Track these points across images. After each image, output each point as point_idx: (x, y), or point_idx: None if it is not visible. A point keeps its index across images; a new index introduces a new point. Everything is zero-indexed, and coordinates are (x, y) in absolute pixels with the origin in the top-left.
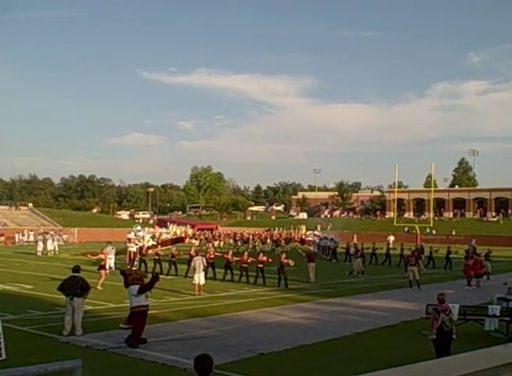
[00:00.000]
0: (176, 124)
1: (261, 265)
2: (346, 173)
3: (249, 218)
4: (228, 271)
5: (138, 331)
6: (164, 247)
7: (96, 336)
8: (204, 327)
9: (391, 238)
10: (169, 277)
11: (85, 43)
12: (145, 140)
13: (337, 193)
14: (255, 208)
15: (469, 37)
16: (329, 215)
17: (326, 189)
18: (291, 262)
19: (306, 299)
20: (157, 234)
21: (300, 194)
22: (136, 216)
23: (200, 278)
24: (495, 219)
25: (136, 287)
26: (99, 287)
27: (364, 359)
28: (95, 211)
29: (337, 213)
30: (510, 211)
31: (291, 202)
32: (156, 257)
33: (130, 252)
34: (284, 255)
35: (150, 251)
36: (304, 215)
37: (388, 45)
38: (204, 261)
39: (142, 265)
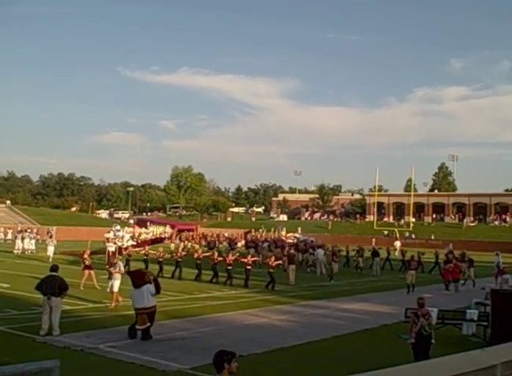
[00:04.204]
0: (158, 124)
1: (230, 267)
2: (327, 176)
3: (229, 219)
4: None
5: (150, 327)
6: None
7: (74, 336)
8: (183, 328)
9: (398, 243)
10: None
11: (67, 41)
12: (126, 139)
13: (317, 195)
14: (236, 209)
15: (451, 43)
16: (309, 218)
17: (306, 192)
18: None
19: (286, 301)
20: (137, 234)
21: (280, 196)
22: (116, 215)
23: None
24: (473, 224)
25: (152, 287)
26: (81, 287)
27: (342, 362)
28: (74, 209)
29: (317, 215)
30: (488, 217)
31: (272, 204)
32: (145, 257)
33: (109, 252)
34: (273, 258)
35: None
36: (284, 217)
37: (371, 49)
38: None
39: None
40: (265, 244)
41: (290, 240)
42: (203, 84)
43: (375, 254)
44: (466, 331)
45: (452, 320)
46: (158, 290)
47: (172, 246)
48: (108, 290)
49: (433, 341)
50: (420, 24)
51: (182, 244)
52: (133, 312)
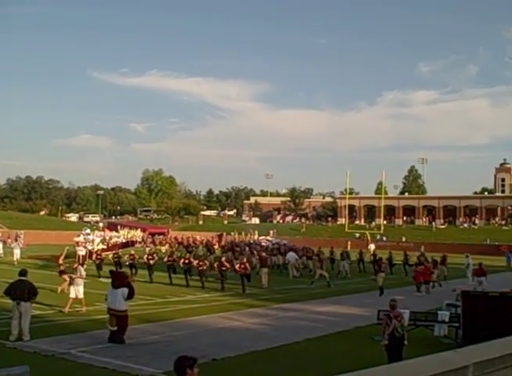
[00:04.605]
0: (127, 126)
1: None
2: (298, 179)
3: (201, 222)
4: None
5: (123, 332)
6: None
7: (44, 341)
8: (156, 332)
9: (372, 246)
10: None
11: (34, 41)
12: (95, 142)
13: (289, 198)
14: (207, 213)
15: (420, 47)
16: (281, 221)
17: (278, 195)
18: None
19: (259, 304)
20: (107, 238)
21: (252, 199)
22: (86, 219)
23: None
24: (443, 227)
25: (126, 291)
26: (59, 292)
27: (315, 365)
28: (42, 213)
29: (289, 218)
30: (457, 219)
31: (243, 207)
32: (131, 261)
33: (79, 256)
34: (245, 260)
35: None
36: (256, 220)
37: (342, 52)
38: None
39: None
40: (247, 248)
41: (264, 243)
42: (173, 87)
43: (344, 256)
44: (437, 333)
45: (423, 322)
46: (131, 295)
47: (163, 249)
48: (71, 295)
49: (406, 342)
50: (389, 28)
51: (154, 248)
52: (103, 316)
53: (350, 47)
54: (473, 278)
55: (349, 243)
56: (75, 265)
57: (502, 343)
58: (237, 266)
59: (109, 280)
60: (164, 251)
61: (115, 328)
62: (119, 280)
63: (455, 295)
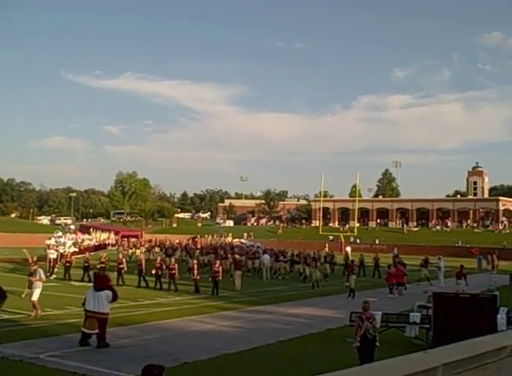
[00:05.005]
0: (101, 129)
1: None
2: (273, 182)
3: (175, 225)
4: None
5: (104, 334)
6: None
7: (13, 346)
8: (127, 335)
9: (349, 248)
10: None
11: (7, 43)
12: (68, 144)
13: (263, 201)
14: (181, 215)
15: (395, 52)
16: (255, 223)
17: (253, 198)
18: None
19: (232, 307)
20: (80, 240)
21: (227, 202)
22: (58, 221)
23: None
24: (416, 229)
25: (110, 294)
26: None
27: (288, 367)
28: (13, 215)
29: (263, 221)
30: (430, 221)
31: (218, 209)
32: (86, 264)
33: (50, 259)
34: (218, 263)
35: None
36: (230, 223)
37: (317, 56)
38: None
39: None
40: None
41: (246, 246)
42: (148, 89)
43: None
44: (409, 334)
45: (395, 323)
46: (115, 298)
47: (138, 252)
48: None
49: (377, 344)
50: (365, 33)
51: (130, 251)
52: (74, 320)
53: (325, 51)
54: (444, 280)
55: (327, 245)
56: (34, 267)
57: (472, 344)
58: (215, 269)
59: (80, 284)
60: (138, 253)
61: (96, 331)
62: (102, 282)
63: (426, 297)
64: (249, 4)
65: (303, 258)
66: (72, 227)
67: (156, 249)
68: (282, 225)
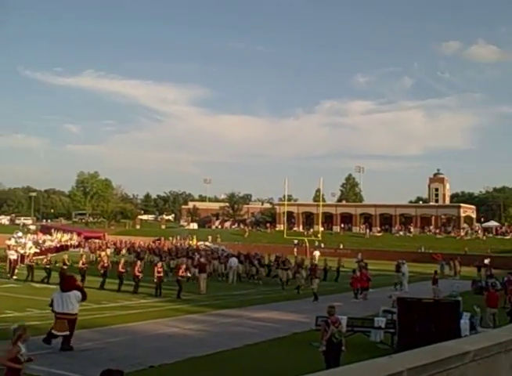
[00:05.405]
0: (61, 127)
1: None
2: (237, 185)
3: (138, 226)
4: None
5: (71, 336)
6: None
7: None
8: (91, 338)
9: (317, 253)
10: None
11: None
12: (26, 142)
13: (227, 204)
14: (145, 217)
15: (357, 57)
16: (219, 226)
17: (217, 200)
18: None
19: (197, 311)
20: (41, 241)
21: (190, 204)
22: (17, 221)
23: None
24: (379, 234)
25: (79, 294)
26: None
27: (254, 371)
28: None
29: (227, 224)
30: (393, 227)
31: (182, 212)
32: (47, 266)
33: (10, 260)
34: (184, 266)
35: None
36: (194, 226)
37: (280, 60)
38: None
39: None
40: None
41: (220, 250)
42: (109, 88)
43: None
44: (374, 338)
45: (361, 328)
46: (84, 298)
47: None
48: None
49: (343, 348)
50: (328, 38)
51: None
52: (35, 322)
53: (288, 55)
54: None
55: (295, 250)
56: None
57: (436, 349)
58: (180, 272)
59: (42, 285)
60: (103, 255)
61: (67, 333)
62: (69, 283)
63: (391, 302)
64: (211, 5)
65: (281, 262)
66: (31, 227)
67: (124, 251)
68: (244, 228)
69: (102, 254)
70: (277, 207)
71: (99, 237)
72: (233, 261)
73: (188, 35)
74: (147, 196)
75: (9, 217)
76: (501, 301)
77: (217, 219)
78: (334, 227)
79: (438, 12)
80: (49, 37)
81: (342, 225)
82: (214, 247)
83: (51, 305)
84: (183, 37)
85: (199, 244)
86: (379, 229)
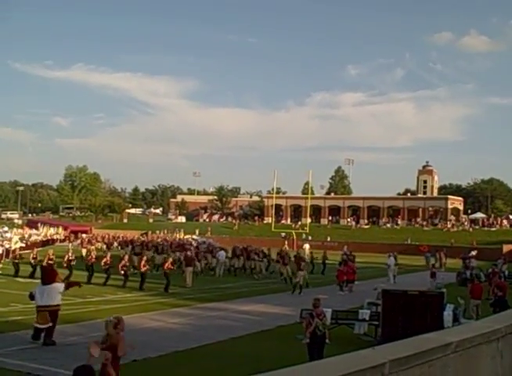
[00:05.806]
0: (50, 121)
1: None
2: (226, 177)
3: (126, 220)
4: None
5: (53, 330)
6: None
7: None
8: (75, 333)
9: (307, 246)
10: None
11: None
12: (14, 135)
13: (216, 197)
14: (132, 211)
15: (348, 49)
16: (208, 220)
17: (205, 193)
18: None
19: (182, 304)
20: (27, 236)
21: (179, 197)
22: (4, 216)
23: None
24: (367, 227)
25: (61, 285)
26: None
27: (238, 364)
28: None
29: (215, 217)
30: (381, 219)
31: (170, 205)
32: (32, 261)
33: None
34: (171, 260)
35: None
36: (182, 219)
37: (271, 52)
38: None
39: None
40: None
41: (209, 244)
42: (100, 81)
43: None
44: (358, 331)
45: (345, 320)
46: (67, 287)
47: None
48: None
49: (327, 340)
50: (319, 29)
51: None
52: (19, 317)
53: (280, 47)
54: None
55: (286, 243)
56: None
57: (418, 340)
58: (166, 265)
59: (27, 280)
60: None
61: (50, 325)
62: (50, 276)
63: (376, 294)
64: None
65: (281, 257)
66: (18, 221)
67: (115, 244)
68: (233, 221)
69: (92, 248)
70: (265, 199)
71: (85, 231)
72: (221, 254)
73: (179, 28)
74: (135, 189)
75: None
76: (485, 292)
77: (205, 212)
78: (322, 220)
79: (430, 3)
80: (40, 30)
81: (330, 218)
82: (201, 241)
83: (31, 297)
84: (174, 30)
85: (186, 237)
86: (366, 221)
